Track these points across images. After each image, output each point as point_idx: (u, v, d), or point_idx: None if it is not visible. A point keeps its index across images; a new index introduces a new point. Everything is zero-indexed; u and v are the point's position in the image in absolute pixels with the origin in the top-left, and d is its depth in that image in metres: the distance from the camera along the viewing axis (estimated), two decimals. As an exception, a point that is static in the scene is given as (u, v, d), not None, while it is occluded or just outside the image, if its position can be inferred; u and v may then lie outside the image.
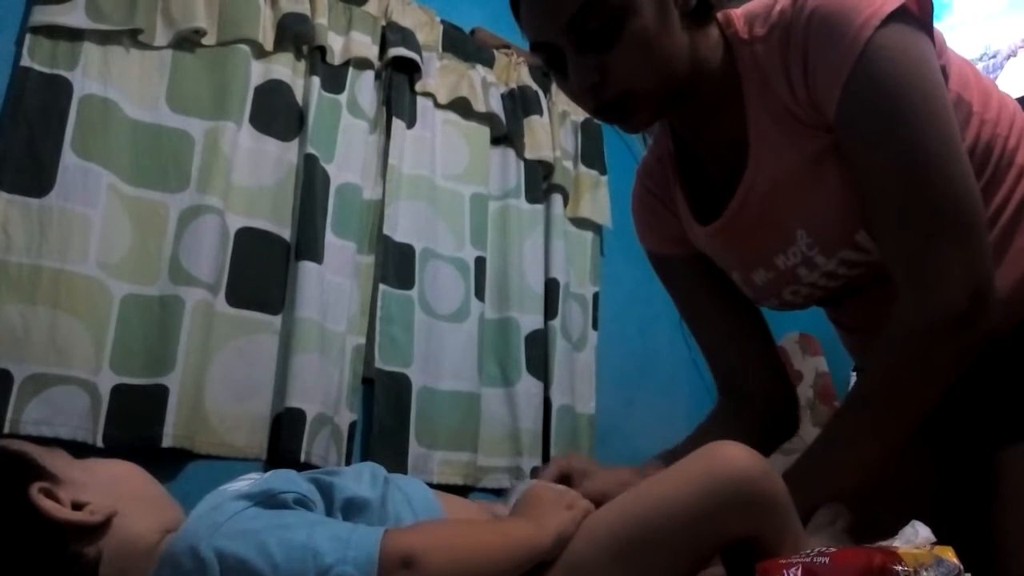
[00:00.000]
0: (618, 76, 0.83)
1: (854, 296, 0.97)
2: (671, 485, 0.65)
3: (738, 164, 0.91)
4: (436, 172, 2.11)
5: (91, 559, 0.64)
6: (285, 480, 0.69)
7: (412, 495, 0.75)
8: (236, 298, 1.71)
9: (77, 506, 0.65)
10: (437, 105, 2.14)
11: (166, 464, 1.54)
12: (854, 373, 1.31)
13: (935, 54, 0.81)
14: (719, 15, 0.90)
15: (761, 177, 0.89)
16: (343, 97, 1.95)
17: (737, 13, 0.90)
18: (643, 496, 0.66)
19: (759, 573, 0.57)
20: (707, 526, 0.64)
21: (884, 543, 0.63)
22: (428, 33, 2.15)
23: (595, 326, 2.40)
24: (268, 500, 0.65)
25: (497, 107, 2.22)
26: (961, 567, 0.63)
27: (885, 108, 0.78)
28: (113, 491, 0.69)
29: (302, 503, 0.67)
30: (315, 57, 1.91)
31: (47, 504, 0.64)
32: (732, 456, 0.66)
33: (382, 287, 1.93)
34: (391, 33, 2.04)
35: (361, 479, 0.75)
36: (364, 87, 2.00)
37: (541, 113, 2.33)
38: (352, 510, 0.71)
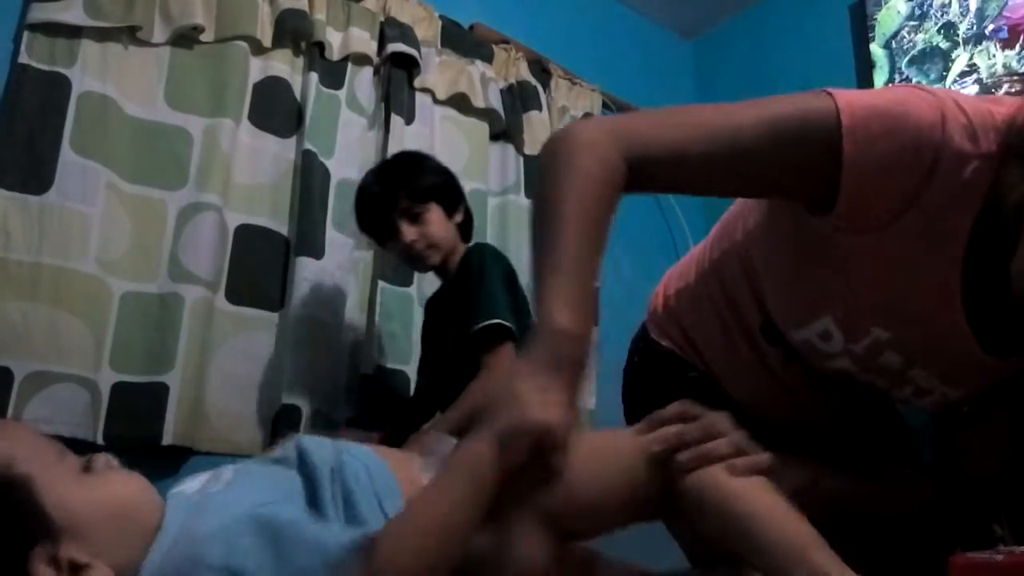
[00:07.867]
0: None
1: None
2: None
3: None
4: (435, 168, 2.11)
5: None
6: (287, 504, 0.72)
7: (360, 457, 0.81)
8: (235, 295, 1.71)
9: (75, 567, 0.65)
10: (436, 101, 2.13)
11: (166, 461, 1.54)
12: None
13: None
14: None
15: None
16: (342, 93, 1.95)
17: None
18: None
19: None
20: None
21: None
22: (427, 28, 2.14)
23: (594, 321, 2.39)
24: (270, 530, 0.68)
25: (496, 102, 2.21)
26: None
27: None
28: (114, 539, 0.68)
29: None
30: (313, 53, 1.91)
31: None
32: None
33: (381, 283, 1.93)
34: (390, 29, 2.04)
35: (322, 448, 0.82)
36: (363, 83, 1.99)
37: (540, 108, 2.32)
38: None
